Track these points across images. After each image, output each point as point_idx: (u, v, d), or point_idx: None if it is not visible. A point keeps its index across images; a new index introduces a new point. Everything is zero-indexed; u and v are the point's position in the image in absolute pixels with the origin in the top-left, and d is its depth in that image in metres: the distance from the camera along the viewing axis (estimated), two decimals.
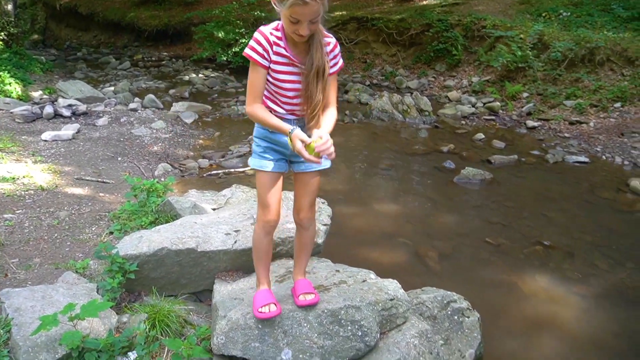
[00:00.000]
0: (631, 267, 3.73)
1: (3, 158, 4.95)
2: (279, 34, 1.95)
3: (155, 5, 17.38)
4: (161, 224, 3.37)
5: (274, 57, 1.96)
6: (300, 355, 2.19)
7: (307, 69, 1.96)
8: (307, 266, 2.52)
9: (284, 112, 2.05)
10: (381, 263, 3.60)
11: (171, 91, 9.97)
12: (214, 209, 3.72)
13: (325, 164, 2.18)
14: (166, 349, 2.37)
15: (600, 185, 5.37)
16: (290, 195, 2.89)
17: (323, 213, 3.21)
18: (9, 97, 7.65)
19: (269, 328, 2.22)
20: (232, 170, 5.47)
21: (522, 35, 9.19)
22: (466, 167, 5.52)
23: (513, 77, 9.20)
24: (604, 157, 6.31)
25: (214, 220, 3.10)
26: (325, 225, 3.09)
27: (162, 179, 4.75)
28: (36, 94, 8.39)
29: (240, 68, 11.70)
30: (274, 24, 1.98)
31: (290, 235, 2.86)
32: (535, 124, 7.70)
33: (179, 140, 6.53)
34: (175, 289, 2.85)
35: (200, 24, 13.00)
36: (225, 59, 11.84)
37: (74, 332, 2.11)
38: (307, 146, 1.88)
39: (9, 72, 8.41)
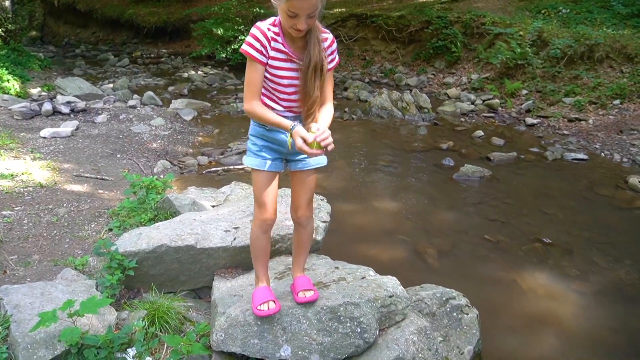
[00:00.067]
0: (629, 264, 3.74)
1: (1, 155, 4.94)
2: (276, 29, 1.93)
3: (154, 2, 17.35)
4: (160, 220, 3.37)
5: (272, 53, 1.94)
6: (300, 352, 2.19)
7: (305, 65, 1.94)
8: (306, 263, 2.52)
9: (281, 109, 2.03)
10: (380, 260, 3.60)
11: (170, 88, 9.96)
12: (213, 206, 3.72)
13: (322, 161, 2.18)
14: (165, 346, 2.37)
15: (599, 183, 5.38)
16: (289, 192, 2.89)
17: (322, 210, 3.21)
18: (7, 94, 7.63)
19: (268, 325, 2.22)
20: (231, 167, 5.47)
21: (521, 32, 9.18)
22: (465, 165, 5.53)
23: (512, 74, 9.20)
24: (602, 154, 6.31)
25: (213, 217, 3.10)
26: (324, 222, 3.09)
27: (161, 176, 4.75)
28: (35, 91, 8.37)
29: (240, 65, 11.68)
30: (271, 19, 1.95)
31: (289, 232, 2.86)
32: (535, 121, 7.70)
33: (178, 137, 6.52)
34: (175, 285, 2.85)
35: (199, 21, 12.97)
36: (224, 56, 11.82)
37: (73, 328, 2.11)
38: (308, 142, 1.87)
39: (7, 69, 8.39)
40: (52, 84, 8.94)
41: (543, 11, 10.47)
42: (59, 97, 7.63)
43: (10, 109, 6.76)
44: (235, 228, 2.92)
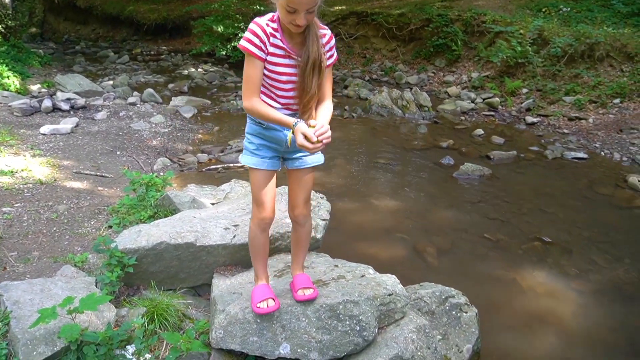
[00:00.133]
0: (628, 262, 3.74)
1: (1, 152, 4.94)
2: (275, 25, 1.91)
3: None
4: (160, 218, 3.38)
5: (271, 49, 1.92)
6: (299, 350, 2.19)
7: (304, 61, 1.92)
8: (306, 261, 2.52)
9: (279, 106, 2.01)
10: (380, 258, 3.61)
11: (170, 85, 9.95)
12: (212, 204, 3.72)
13: (319, 159, 2.17)
14: (165, 343, 2.38)
15: (598, 182, 5.38)
16: (287, 190, 2.89)
17: (322, 208, 3.21)
18: (7, 90, 7.63)
19: (268, 322, 2.22)
20: (231, 164, 5.47)
21: (522, 31, 9.17)
22: (465, 163, 5.53)
23: (513, 72, 9.19)
24: (602, 153, 6.31)
25: (213, 215, 3.11)
26: (324, 220, 3.09)
27: (161, 174, 4.75)
28: (34, 88, 8.36)
29: (240, 62, 11.60)
30: (269, 15, 1.93)
31: (288, 230, 2.86)
32: (535, 120, 7.70)
33: (178, 134, 6.52)
34: (174, 283, 2.86)
35: (199, 18, 12.94)
36: (224, 53, 11.80)
37: (72, 325, 2.11)
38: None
39: (7, 66, 8.38)
40: (52, 80, 8.93)
41: (544, 9, 10.46)
42: (58, 93, 7.62)
43: (10, 106, 6.76)
44: (235, 226, 2.92)
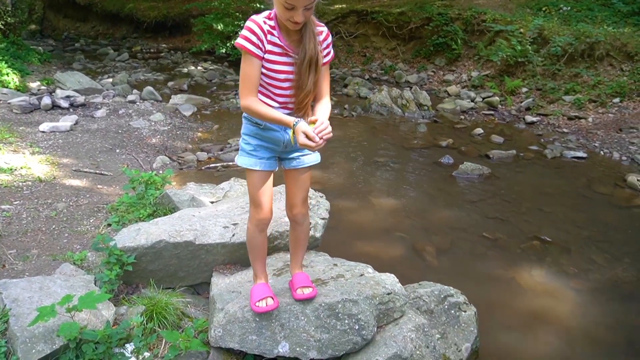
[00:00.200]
0: (627, 262, 3.74)
1: (1, 149, 4.94)
2: (272, 23, 1.89)
3: None
4: (159, 216, 3.37)
5: (269, 47, 1.89)
6: (297, 349, 2.20)
7: (300, 58, 1.90)
8: (305, 260, 2.52)
9: (277, 105, 2.00)
10: (379, 257, 3.61)
11: (170, 83, 9.94)
12: (212, 202, 3.72)
13: (316, 159, 2.17)
14: (164, 341, 2.38)
15: (597, 181, 5.38)
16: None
17: (321, 207, 3.21)
18: (7, 87, 7.62)
19: (267, 321, 2.22)
20: (231, 163, 5.46)
21: (522, 30, 9.16)
22: (465, 162, 5.53)
23: (512, 71, 9.19)
24: (601, 152, 6.32)
25: (212, 213, 3.11)
26: (323, 219, 3.09)
27: (161, 172, 4.75)
28: (34, 85, 8.35)
29: (239, 61, 11.59)
30: (265, 13, 1.91)
31: (287, 229, 2.85)
32: (534, 119, 7.70)
33: (178, 132, 6.51)
34: (173, 281, 2.86)
35: (199, 16, 12.93)
36: (224, 51, 11.80)
37: (71, 323, 2.11)
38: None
39: (6, 63, 8.37)
40: (51, 78, 8.91)
41: (544, 8, 10.46)
42: (58, 91, 7.61)
43: (9, 103, 6.75)
44: (234, 224, 2.92)
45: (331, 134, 1.83)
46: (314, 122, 1.85)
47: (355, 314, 2.24)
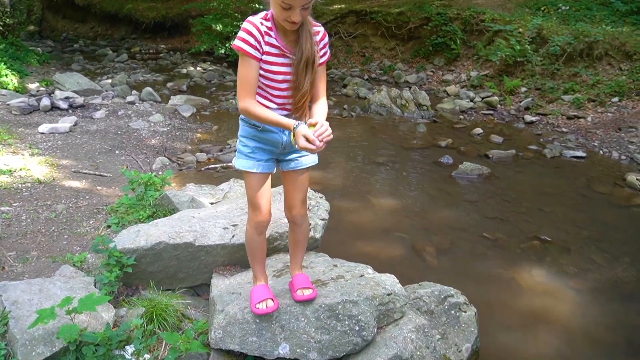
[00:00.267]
0: (627, 261, 3.75)
1: (0, 150, 4.93)
2: (269, 23, 1.88)
3: None
4: (159, 217, 3.37)
5: (266, 48, 1.88)
6: (298, 350, 2.19)
7: (297, 59, 1.90)
8: (305, 261, 2.52)
9: (275, 106, 1.98)
10: (379, 258, 3.61)
11: (169, 84, 9.93)
12: (211, 203, 3.72)
13: (314, 160, 2.16)
14: (164, 343, 2.37)
15: (597, 180, 5.39)
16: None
17: (321, 208, 3.21)
18: (5, 88, 7.61)
19: (267, 322, 2.22)
20: (230, 164, 5.46)
21: (520, 29, 9.17)
22: (464, 162, 5.53)
23: (511, 71, 9.19)
24: (601, 152, 6.32)
25: (212, 215, 3.10)
26: (323, 219, 3.09)
27: (160, 173, 4.75)
28: (33, 86, 8.34)
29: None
30: (262, 14, 1.90)
31: (287, 230, 2.85)
32: (533, 118, 7.70)
33: (177, 133, 6.51)
34: (173, 283, 2.85)
35: (198, 17, 12.91)
36: (223, 52, 11.77)
37: (71, 325, 2.11)
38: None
39: (5, 64, 8.35)
40: (50, 79, 8.91)
41: (542, 8, 10.47)
42: (57, 92, 7.60)
43: (8, 104, 6.74)
44: (234, 225, 2.92)
45: (331, 137, 1.83)
46: (313, 125, 1.84)
47: (356, 315, 2.23)
